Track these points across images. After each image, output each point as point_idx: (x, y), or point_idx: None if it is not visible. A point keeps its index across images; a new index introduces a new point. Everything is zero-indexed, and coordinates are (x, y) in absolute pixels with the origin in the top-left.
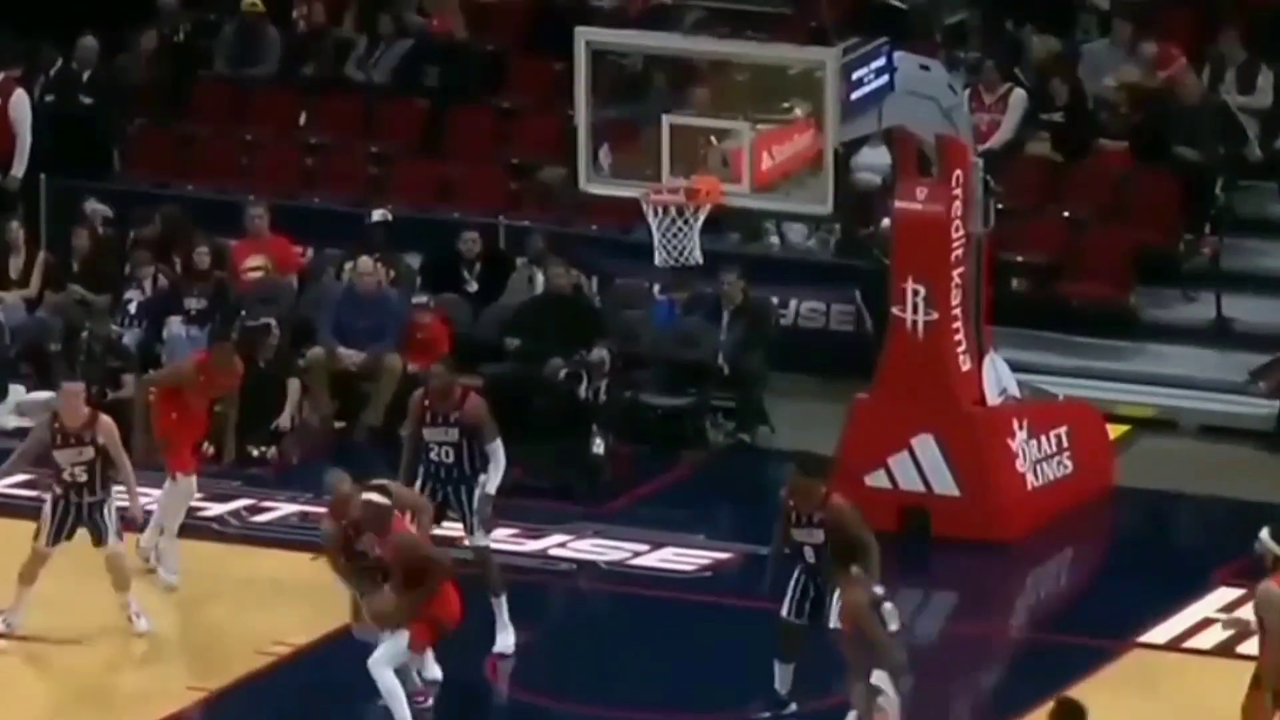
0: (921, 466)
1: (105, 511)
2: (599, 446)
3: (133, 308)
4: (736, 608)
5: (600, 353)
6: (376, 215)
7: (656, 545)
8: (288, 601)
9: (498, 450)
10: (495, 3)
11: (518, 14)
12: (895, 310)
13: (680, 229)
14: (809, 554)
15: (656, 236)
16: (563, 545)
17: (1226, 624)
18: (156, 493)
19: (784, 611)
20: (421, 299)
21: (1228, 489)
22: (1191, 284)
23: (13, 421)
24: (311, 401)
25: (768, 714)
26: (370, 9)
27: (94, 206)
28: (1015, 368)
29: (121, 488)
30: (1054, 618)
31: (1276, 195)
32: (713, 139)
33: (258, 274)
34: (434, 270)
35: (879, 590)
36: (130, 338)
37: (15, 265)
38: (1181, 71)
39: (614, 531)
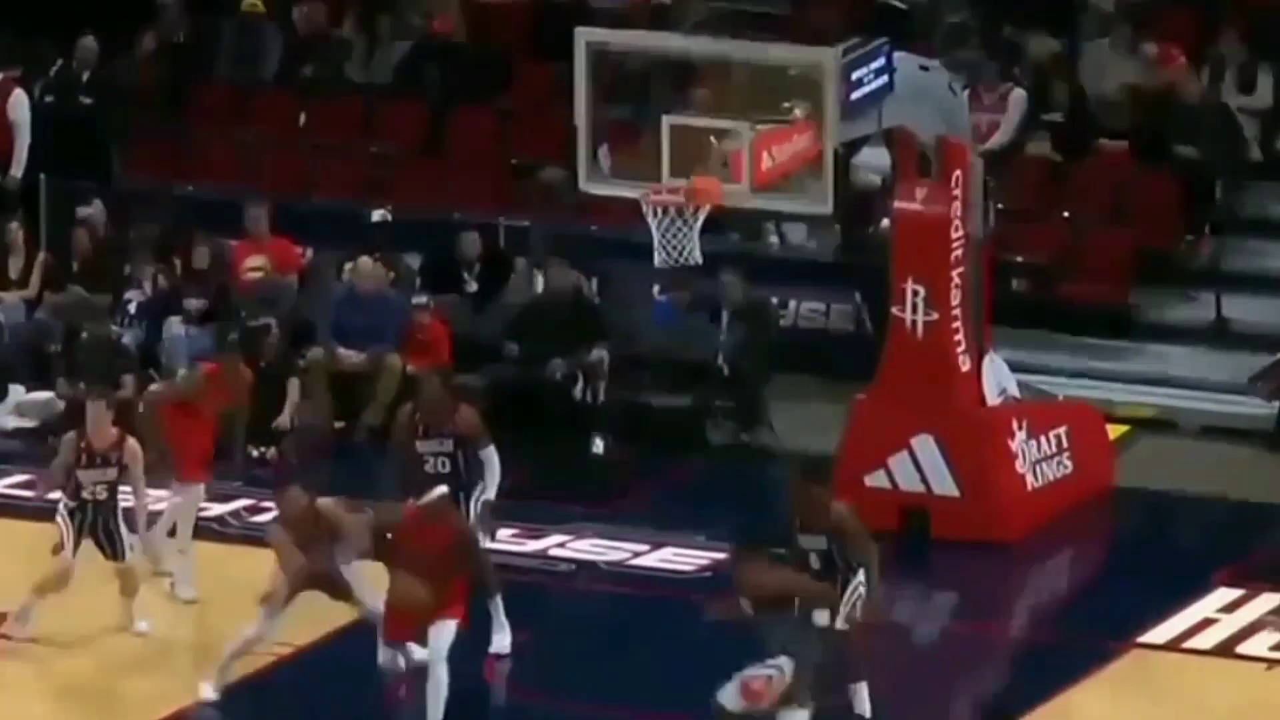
0: (921, 467)
1: (121, 527)
2: (599, 447)
3: (133, 308)
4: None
5: (599, 353)
6: (376, 215)
7: (656, 545)
8: None
9: (493, 456)
10: (496, 3)
11: (518, 15)
12: (895, 310)
13: (680, 229)
14: (814, 560)
15: (656, 236)
16: (563, 545)
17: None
18: (164, 503)
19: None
20: (421, 299)
21: (1228, 489)
22: (1191, 284)
23: (12, 422)
24: (311, 402)
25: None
26: (370, 10)
27: (88, 211)
28: (1015, 368)
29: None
30: (1054, 618)
31: (1276, 195)
32: (713, 139)
33: (258, 274)
34: (434, 270)
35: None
36: (130, 338)
37: (15, 266)
38: (1181, 71)
39: (614, 531)
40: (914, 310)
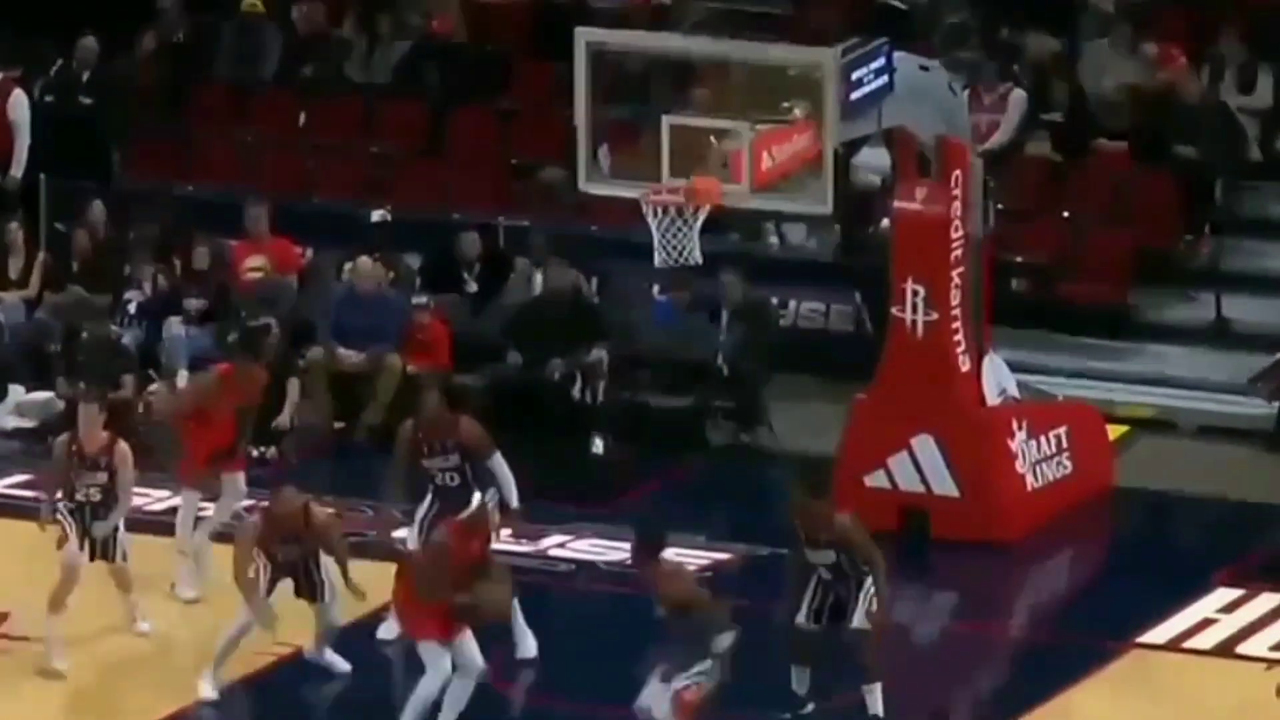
0: (921, 467)
1: (116, 530)
2: (598, 447)
3: (133, 308)
4: (737, 608)
5: (598, 353)
6: (376, 215)
7: None
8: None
9: (502, 464)
10: (495, 3)
11: (518, 15)
12: (895, 310)
13: (680, 229)
14: (824, 572)
15: (656, 236)
16: (562, 545)
17: None
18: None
19: (800, 619)
20: (421, 299)
21: (1227, 489)
22: (1191, 284)
23: (12, 422)
24: (311, 402)
25: (787, 715)
26: (370, 10)
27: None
28: (1015, 368)
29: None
30: (1054, 618)
31: (1276, 195)
32: (712, 139)
33: (258, 274)
34: (434, 270)
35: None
36: (130, 338)
37: (15, 266)
38: (1181, 71)
39: (614, 531)
40: (914, 310)
